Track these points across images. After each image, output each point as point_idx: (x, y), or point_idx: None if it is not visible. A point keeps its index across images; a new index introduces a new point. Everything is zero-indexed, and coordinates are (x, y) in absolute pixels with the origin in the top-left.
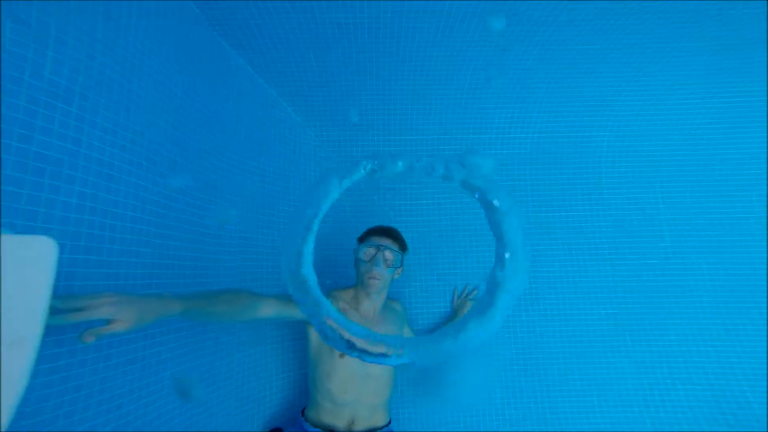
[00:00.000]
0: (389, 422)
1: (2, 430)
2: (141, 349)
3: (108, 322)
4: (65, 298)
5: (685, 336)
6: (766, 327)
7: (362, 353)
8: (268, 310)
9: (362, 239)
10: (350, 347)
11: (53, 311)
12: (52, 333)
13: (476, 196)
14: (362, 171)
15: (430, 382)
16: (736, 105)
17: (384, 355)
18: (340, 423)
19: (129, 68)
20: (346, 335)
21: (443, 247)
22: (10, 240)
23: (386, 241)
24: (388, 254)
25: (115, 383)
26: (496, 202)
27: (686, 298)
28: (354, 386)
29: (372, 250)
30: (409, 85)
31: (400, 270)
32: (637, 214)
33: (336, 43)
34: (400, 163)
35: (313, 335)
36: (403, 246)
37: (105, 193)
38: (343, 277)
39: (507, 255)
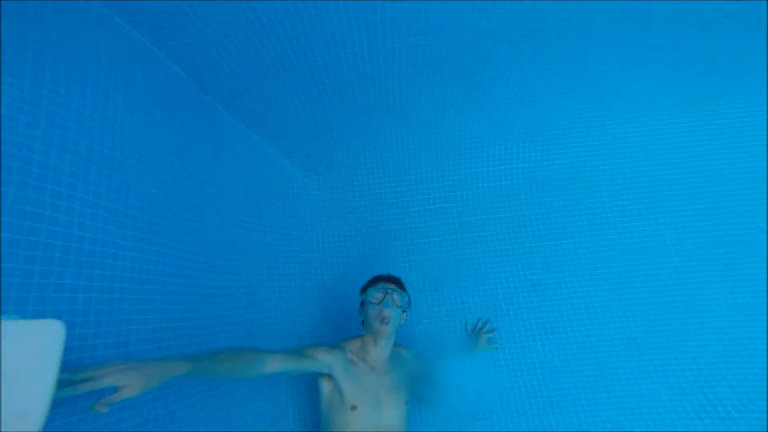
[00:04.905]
0: None
1: None
2: (154, 410)
3: (116, 390)
4: (73, 371)
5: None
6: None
7: None
8: (274, 364)
9: (369, 285)
10: None
11: (62, 384)
12: (63, 404)
13: None
14: None
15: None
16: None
17: None
18: None
19: (128, 144)
20: None
21: (448, 283)
22: (18, 325)
23: (392, 286)
24: (396, 297)
25: None
26: None
27: (701, 314)
28: None
29: (380, 294)
30: (401, 132)
31: (405, 315)
32: (641, 237)
33: (328, 98)
34: None
35: (325, 388)
36: (406, 292)
37: (110, 271)
38: (348, 322)
39: None
